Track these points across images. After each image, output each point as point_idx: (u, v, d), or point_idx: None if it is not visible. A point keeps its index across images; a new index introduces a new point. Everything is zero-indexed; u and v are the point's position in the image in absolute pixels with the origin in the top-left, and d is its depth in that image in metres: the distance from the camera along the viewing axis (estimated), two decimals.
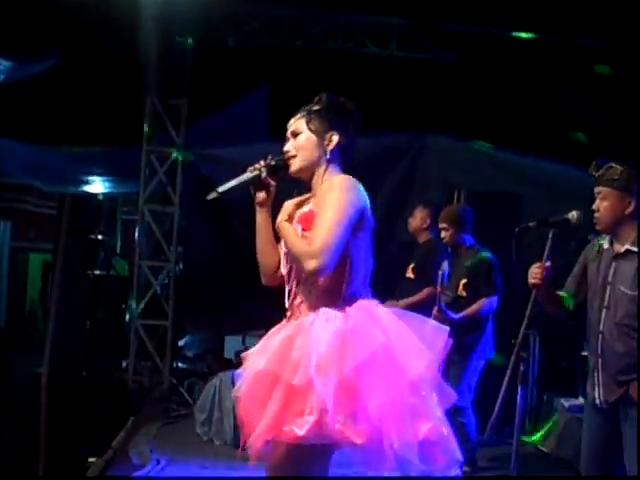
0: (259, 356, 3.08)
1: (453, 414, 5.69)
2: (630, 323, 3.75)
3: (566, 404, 7.28)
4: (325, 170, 3.18)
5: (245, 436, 3.07)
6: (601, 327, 3.85)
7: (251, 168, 3.21)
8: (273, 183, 3.22)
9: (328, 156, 3.17)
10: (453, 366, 5.81)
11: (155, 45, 9.22)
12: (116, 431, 6.88)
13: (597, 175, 3.88)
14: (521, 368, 3.55)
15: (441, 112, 9.41)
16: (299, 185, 3.27)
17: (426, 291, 6.51)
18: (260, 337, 3.24)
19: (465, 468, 5.88)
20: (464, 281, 6.04)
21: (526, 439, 7.36)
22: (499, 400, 3.52)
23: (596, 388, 3.87)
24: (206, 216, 9.83)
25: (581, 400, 6.64)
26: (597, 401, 3.87)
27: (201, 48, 9.49)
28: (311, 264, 2.96)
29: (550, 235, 3.71)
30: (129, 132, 9.73)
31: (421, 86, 9.62)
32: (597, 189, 3.88)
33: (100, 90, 9.28)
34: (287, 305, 3.18)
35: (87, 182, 11.09)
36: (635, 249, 3.80)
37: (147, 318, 9.58)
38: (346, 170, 3.20)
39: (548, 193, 8.34)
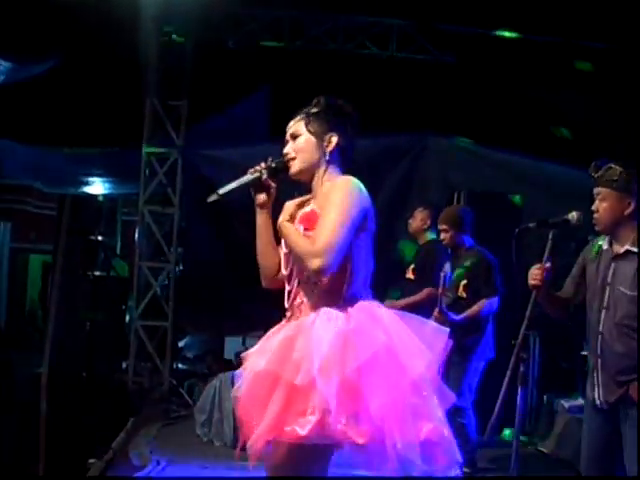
0: (259, 356, 3.08)
1: (454, 415, 5.71)
2: (630, 323, 3.75)
3: (566, 405, 7.28)
4: (325, 171, 3.19)
5: (244, 436, 3.07)
6: (600, 328, 3.85)
7: (251, 170, 3.21)
8: (273, 185, 3.22)
9: (327, 157, 3.18)
10: (453, 367, 5.81)
11: (155, 46, 9.23)
12: (116, 432, 6.88)
13: (596, 176, 3.88)
14: (521, 369, 3.55)
15: (441, 113, 9.42)
16: (299, 187, 3.28)
17: (426, 291, 6.51)
18: (260, 338, 3.25)
19: (465, 469, 5.88)
20: (464, 282, 6.03)
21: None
22: (499, 401, 3.52)
23: (596, 388, 3.87)
24: (206, 217, 9.83)
25: (581, 401, 6.64)
26: (597, 401, 3.87)
27: (201, 49, 9.49)
28: (315, 263, 2.96)
29: (550, 236, 3.72)
30: (129, 133, 9.73)
31: (421, 87, 9.63)
32: (596, 190, 3.88)
33: (100, 91, 9.29)
34: (287, 305, 3.19)
35: (87, 183, 11.10)
36: (635, 249, 3.80)
37: (147, 319, 9.58)
38: (346, 171, 3.20)
39: (548, 194, 8.34)
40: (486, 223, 6.51)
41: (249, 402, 3.05)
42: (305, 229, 3.09)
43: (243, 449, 3.07)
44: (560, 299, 4.04)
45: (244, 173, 3.21)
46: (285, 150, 3.23)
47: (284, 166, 3.20)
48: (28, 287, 13.24)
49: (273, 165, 3.20)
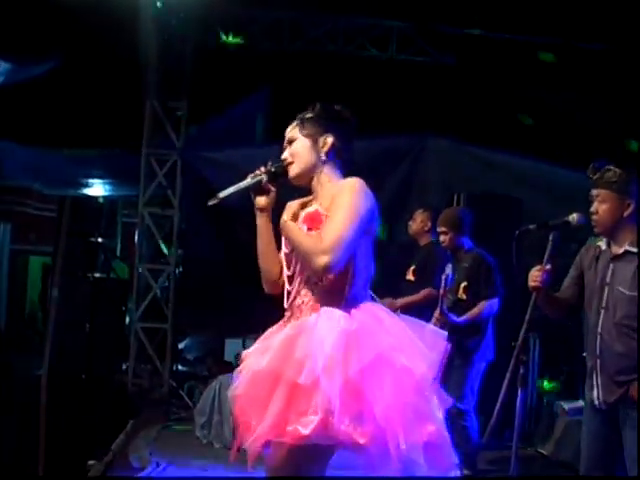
0: (259, 356, 3.08)
1: (456, 417, 5.73)
2: (629, 324, 3.75)
3: (566, 407, 7.28)
4: (323, 172, 3.21)
5: (240, 437, 3.06)
6: (599, 328, 3.86)
7: (251, 175, 3.23)
8: (273, 189, 3.24)
9: (323, 158, 3.20)
10: (455, 370, 5.81)
11: (155, 48, 9.23)
12: (116, 434, 6.88)
13: (595, 178, 3.88)
14: (521, 371, 3.55)
15: (441, 115, 9.42)
16: (300, 191, 3.29)
17: (424, 292, 6.52)
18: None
19: (465, 471, 5.88)
20: (464, 284, 6.03)
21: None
22: (499, 403, 3.52)
23: (595, 389, 3.87)
24: (206, 218, 9.83)
25: (581, 403, 6.64)
26: (596, 402, 3.87)
27: (201, 51, 9.49)
28: (322, 260, 2.96)
29: (550, 238, 3.72)
30: (129, 135, 9.73)
31: (421, 89, 9.63)
32: (595, 192, 3.89)
33: (100, 93, 9.29)
34: (286, 305, 3.19)
35: (87, 185, 11.09)
36: (634, 250, 3.80)
37: (147, 321, 9.58)
38: (347, 173, 3.21)
39: (548, 195, 8.34)
40: (486, 225, 6.51)
41: (248, 402, 3.05)
42: (308, 229, 3.11)
43: (239, 450, 3.08)
44: (560, 301, 4.04)
45: (244, 175, 3.23)
46: (283, 156, 3.26)
47: (283, 170, 3.23)
48: (28, 289, 13.23)
49: (273, 169, 3.23)
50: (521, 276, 3.76)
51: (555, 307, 4.03)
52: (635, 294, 3.73)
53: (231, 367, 8.12)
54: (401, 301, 6.52)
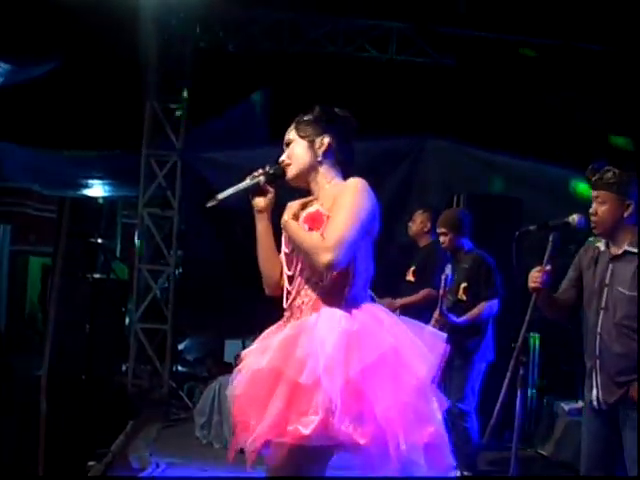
0: (258, 355, 3.08)
1: (457, 418, 5.73)
2: (630, 324, 3.76)
3: (566, 407, 7.28)
4: (321, 173, 3.22)
5: (238, 437, 3.07)
6: (599, 329, 3.86)
7: (250, 176, 3.25)
8: (271, 190, 3.26)
9: (320, 158, 3.21)
10: (456, 371, 5.82)
11: (155, 49, 9.23)
12: (115, 434, 6.87)
13: (594, 179, 3.89)
14: (521, 372, 3.55)
15: (441, 116, 9.42)
16: (300, 192, 3.30)
17: (424, 292, 6.52)
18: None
19: (465, 472, 5.89)
20: (464, 285, 6.03)
21: None
22: (498, 404, 3.52)
23: (594, 390, 3.88)
24: (206, 219, 9.83)
25: (581, 403, 6.64)
26: (595, 403, 3.88)
27: (201, 52, 9.50)
28: (326, 257, 2.96)
29: (550, 239, 3.72)
30: (129, 136, 9.74)
31: (420, 90, 9.63)
32: (595, 193, 3.90)
33: (100, 94, 9.29)
34: (285, 306, 3.19)
35: (87, 186, 11.10)
36: (633, 250, 3.81)
37: (147, 322, 9.58)
38: (347, 173, 3.22)
39: (548, 196, 8.34)
40: (486, 226, 6.51)
41: (247, 401, 3.04)
42: (310, 229, 3.11)
43: (237, 451, 3.08)
44: (559, 302, 4.04)
45: (243, 176, 3.25)
46: (281, 158, 3.28)
47: (282, 172, 3.25)
48: (28, 289, 13.23)
49: (271, 171, 3.25)
50: (521, 277, 3.77)
51: (555, 308, 4.03)
52: (635, 294, 3.73)
53: (231, 368, 8.08)
54: (400, 301, 6.53)
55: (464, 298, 6.01)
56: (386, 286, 6.27)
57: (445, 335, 3.22)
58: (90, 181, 10.99)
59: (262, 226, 3.27)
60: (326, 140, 3.21)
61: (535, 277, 3.74)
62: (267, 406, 2.92)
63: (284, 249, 3.23)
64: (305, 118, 3.27)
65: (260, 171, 3.25)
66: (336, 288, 3.08)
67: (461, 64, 9.36)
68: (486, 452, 6.41)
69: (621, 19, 7.99)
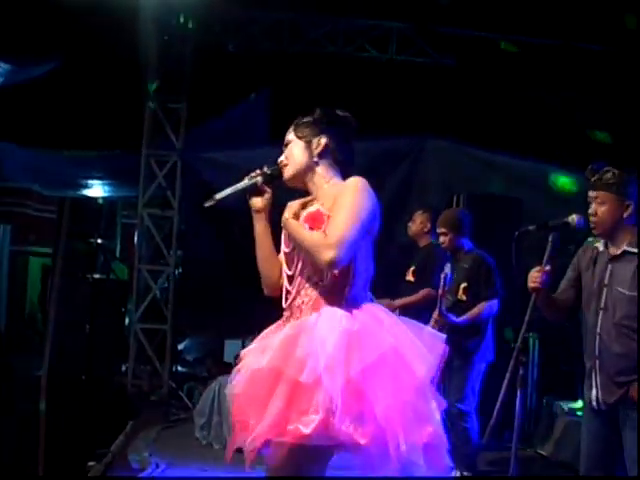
0: (258, 355, 3.08)
1: (457, 418, 5.73)
2: (629, 324, 3.76)
3: (565, 407, 7.28)
4: (318, 173, 3.23)
5: (236, 436, 3.06)
6: (598, 329, 3.86)
7: (248, 176, 3.27)
8: (269, 190, 3.27)
9: (316, 159, 3.22)
10: (456, 372, 5.82)
11: (155, 49, 9.23)
12: (115, 435, 6.87)
13: (594, 179, 3.88)
14: (520, 372, 3.55)
15: (441, 116, 9.42)
16: (300, 193, 3.31)
17: (423, 292, 6.51)
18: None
19: (465, 472, 5.89)
20: (464, 285, 6.02)
21: None
22: (498, 404, 3.52)
23: (594, 390, 3.87)
24: (206, 219, 9.83)
25: (581, 403, 6.64)
26: (594, 403, 3.87)
27: (201, 52, 9.50)
28: (328, 254, 2.96)
29: (550, 239, 3.72)
30: (129, 136, 9.74)
31: (420, 90, 9.63)
32: (594, 193, 3.89)
33: (100, 94, 9.29)
34: (285, 305, 3.19)
35: (87, 186, 11.10)
36: (632, 250, 3.81)
37: (146, 322, 9.58)
38: (347, 174, 3.22)
39: (548, 196, 8.34)
40: (486, 226, 6.50)
41: (246, 401, 3.04)
42: (310, 228, 3.11)
43: (235, 450, 3.08)
44: (558, 302, 4.04)
45: (242, 177, 3.26)
46: (280, 158, 3.29)
47: (279, 173, 3.26)
48: (28, 290, 13.24)
49: (268, 172, 3.27)
50: (520, 277, 3.77)
51: (553, 308, 4.03)
52: (634, 294, 3.73)
53: (231, 368, 8.08)
54: (399, 302, 6.52)
55: (464, 298, 6.01)
56: (386, 286, 6.27)
57: (444, 336, 3.22)
58: (90, 181, 11.00)
59: (260, 226, 3.27)
60: (323, 141, 3.21)
61: (534, 277, 3.74)
62: (267, 405, 2.91)
63: (284, 248, 3.23)
64: (304, 119, 3.28)
65: (258, 171, 3.26)
66: (336, 288, 3.08)
67: (461, 64, 9.36)
68: (486, 452, 6.41)
69: (621, 19, 7.99)
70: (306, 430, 2.82)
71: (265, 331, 3.23)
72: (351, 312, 3.04)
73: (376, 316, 3.08)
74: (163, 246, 9.63)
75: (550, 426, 7.44)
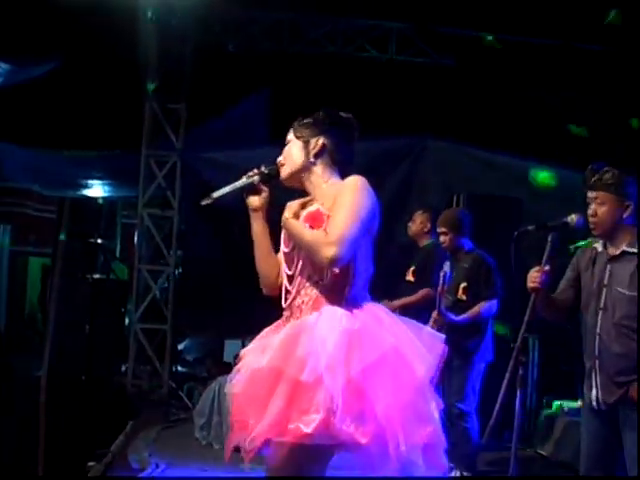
0: (258, 354, 3.08)
1: (457, 418, 5.73)
2: (629, 324, 3.75)
3: (565, 407, 7.28)
4: (315, 173, 3.23)
5: (235, 436, 3.06)
6: (598, 329, 3.86)
7: (246, 175, 3.28)
8: (266, 190, 3.28)
9: (312, 159, 3.22)
10: (456, 372, 5.82)
11: (154, 49, 9.23)
12: (115, 435, 6.87)
13: (593, 180, 3.88)
14: (520, 372, 3.55)
15: (440, 116, 9.42)
16: (299, 194, 3.31)
17: (422, 292, 6.51)
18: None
19: (465, 472, 5.89)
20: (464, 285, 6.02)
21: None
22: (498, 404, 3.52)
23: (594, 390, 3.87)
24: (206, 219, 9.83)
25: (580, 403, 6.64)
26: (594, 403, 3.87)
27: (200, 52, 9.50)
28: (329, 252, 2.96)
29: (549, 239, 3.72)
30: (128, 136, 9.74)
31: (420, 90, 9.63)
32: (594, 194, 3.88)
33: (99, 94, 9.29)
34: (285, 305, 3.19)
35: (87, 186, 11.10)
36: (632, 250, 3.81)
37: (146, 322, 9.58)
38: (346, 174, 3.22)
39: (548, 196, 8.34)
40: (485, 226, 6.50)
41: (246, 400, 3.04)
42: (310, 227, 3.11)
43: (234, 450, 3.08)
44: (557, 302, 4.04)
45: (242, 176, 3.27)
46: (279, 159, 3.30)
47: (276, 172, 3.28)
48: (28, 290, 13.25)
49: (266, 171, 3.28)
50: (520, 277, 3.77)
51: (553, 309, 4.03)
52: (634, 294, 3.73)
53: (230, 368, 8.10)
54: (398, 302, 6.51)
55: (464, 298, 6.01)
56: (386, 286, 6.28)
57: (443, 336, 3.22)
58: (90, 181, 11.00)
59: (258, 225, 3.28)
60: (320, 141, 3.21)
61: (534, 277, 3.74)
62: (267, 405, 2.91)
63: (283, 248, 3.24)
64: (305, 120, 3.28)
65: (255, 171, 3.28)
66: (337, 287, 3.08)
67: (461, 64, 9.36)
68: (485, 452, 6.40)
69: (621, 19, 7.99)
70: (307, 429, 2.82)
71: (265, 331, 3.24)
72: (351, 311, 3.04)
73: (376, 315, 3.08)
74: (163, 246, 9.63)
75: (550, 426, 7.44)
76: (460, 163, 9.12)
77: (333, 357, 2.87)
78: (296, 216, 3.18)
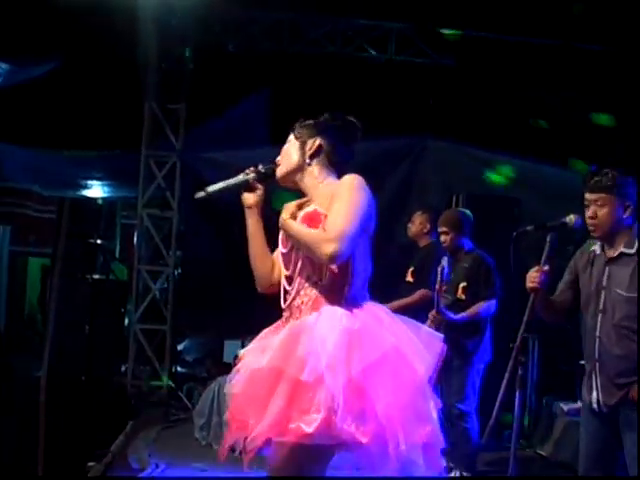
0: (258, 354, 3.08)
1: (457, 419, 5.72)
2: (629, 325, 3.75)
3: (565, 408, 7.28)
4: (310, 174, 3.25)
5: (233, 435, 3.06)
6: (597, 331, 3.85)
7: (243, 173, 3.31)
8: (261, 188, 3.30)
9: (308, 160, 3.22)
10: (456, 372, 5.82)
11: (154, 49, 9.23)
12: (115, 435, 6.87)
13: (593, 181, 3.87)
14: (519, 372, 3.55)
15: (440, 116, 9.43)
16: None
17: (419, 294, 6.50)
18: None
19: (464, 472, 5.89)
20: (463, 284, 6.03)
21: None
22: (497, 404, 3.52)
23: (594, 392, 3.87)
24: (205, 220, 9.83)
25: (580, 404, 6.64)
26: (595, 405, 3.87)
27: (200, 52, 9.50)
28: (329, 248, 2.96)
29: (548, 239, 3.72)
30: (128, 136, 9.73)
31: (420, 90, 9.63)
32: (593, 196, 3.86)
33: (99, 94, 9.29)
34: (284, 306, 3.19)
35: (86, 186, 11.09)
36: (630, 251, 3.81)
37: (146, 322, 9.57)
38: (343, 174, 3.22)
39: (547, 197, 8.34)
40: (485, 226, 6.50)
41: (246, 400, 3.04)
42: (308, 227, 3.11)
43: (230, 450, 3.08)
44: (556, 304, 4.04)
45: (239, 173, 3.29)
46: (277, 158, 3.32)
47: (273, 172, 3.30)
48: (27, 290, 13.23)
49: (262, 170, 3.31)
50: (519, 277, 3.77)
51: (551, 310, 4.03)
52: (633, 295, 3.73)
53: (230, 368, 8.09)
54: (395, 303, 6.48)
55: (463, 297, 6.01)
56: (386, 287, 6.28)
57: (442, 335, 3.22)
58: (90, 182, 10.99)
59: (252, 221, 3.29)
60: (317, 142, 3.23)
61: (533, 277, 3.74)
62: (267, 405, 2.91)
63: (281, 249, 3.24)
64: (306, 121, 3.30)
65: (252, 169, 3.30)
66: (336, 287, 3.09)
67: (461, 64, 9.36)
68: (485, 452, 6.40)
69: (621, 19, 7.99)
70: (308, 429, 2.82)
71: (264, 331, 3.24)
72: (351, 311, 3.05)
73: (376, 315, 3.08)
74: (162, 247, 9.62)
75: (549, 426, 7.44)
76: (460, 163, 9.12)
77: (333, 356, 2.88)
78: (293, 217, 3.18)
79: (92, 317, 7.88)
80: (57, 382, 6.23)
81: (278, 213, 3.23)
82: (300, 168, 3.25)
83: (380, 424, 2.85)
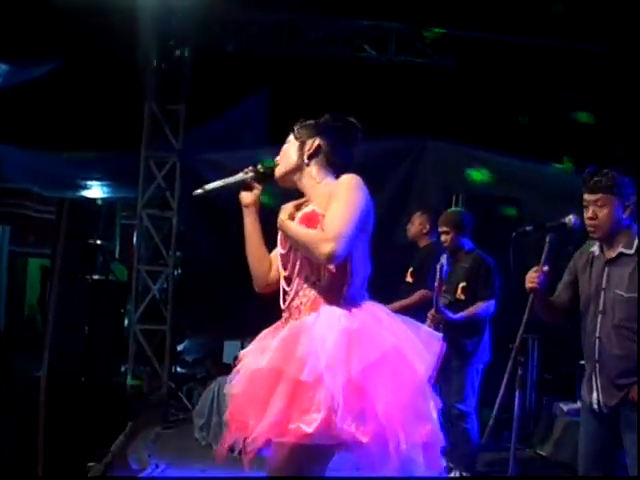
0: (257, 355, 3.08)
1: (457, 419, 5.72)
2: (629, 325, 3.75)
3: (565, 408, 7.28)
4: (308, 174, 3.25)
5: (232, 436, 3.06)
6: (597, 332, 3.85)
7: (242, 172, 3.32)
8: (259, 187, 3.31)
9: (306, 160, 3.22)
10: (455, 372, 5.82)
11: (154, 50, 9.23)
12: (115, 435, 6.87)
13: (593, 182, 3.87)
14: (519, 372, 3.55)
15: (440, 116, 9.42)
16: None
17: (418, 294, 6.50)
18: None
19: (464, 473, 5.89)
20: (463, 284, 6.03)
21: None
22: (497, 404, 3.52)
23: (594, 393, 3.87)
24: (205, 220, 9.82)
25: (580, 404, 6.64)
26: (595, 406, 3.87)
27: (200, 53, 9.50)
28: (327, 248, 2.97)
29: (547, 239, 3.72)
30: (128, 137, 9.73)
31: (420, 91, 9.63)
32: (593, 197, 3.86)
33: (99, 95, 9.29)
34: (283, 307, 3.19)
35: (86, 187, 11.09)
36: (629, 252, 3.81)
37: (146, 323, 9.56)
38: (341, 174, 3.22)
39: (547, 197, 8.33)
40: (484, 226, 6.51)
41: (246, 401, 3.04)
42: (306, 228, 3.11)
43: (229, 450, 3.08)
44: (555, 304, 4.04)
45: (238, 172, 3.29)
46: (277, 158, 3.33)
47: (271, 172, 3.30)
48: (27, 291, 13.25)
49: (261, 170, 3.31)
50: (518, 278, 3.77)
51: (551, 311, 4.03)
52: (633, 295, 3.73)
53: (230, 369, 8.09)
54: (395, 304, 6.48)
55: (462, 297, 6.01)
56: (386, 288, 6.27)
57: (441, 335, 3.22)
58: (89, 182, 10.98)
59: (249, 220, 3.30)
60: (316, 142, 3.23)
61: (532, 277, 3.74)
62: (267, 405, 2.91)
63: (280, 250, 3.24)
64: (307, 121, 3.30)
65: (251, 168, 3.31)
66: (334, 287, 3.09)
67: (460, 65, 9.36)
68: (485, 453, 6.40)
69: (621, 19, 7.99)
70: (308, 429, 2.82)
71: (264, 332, 3.24)
72: (350, 311, 3.05)
73: (375, 315, 3.08)
74: (162, 247, 9.61)
75: (549, 426, 7.44)
76: (460, 163, 9.12)
77: (333, 356, 2.88)
78: (291, 217, 3.18)
79: (92, 317, 7.88)
80: (57, 382, 6.24)
81: (276, 213, 3.23)
82: (299, 168, 3.25)
83: (380, 424, 2.85)
